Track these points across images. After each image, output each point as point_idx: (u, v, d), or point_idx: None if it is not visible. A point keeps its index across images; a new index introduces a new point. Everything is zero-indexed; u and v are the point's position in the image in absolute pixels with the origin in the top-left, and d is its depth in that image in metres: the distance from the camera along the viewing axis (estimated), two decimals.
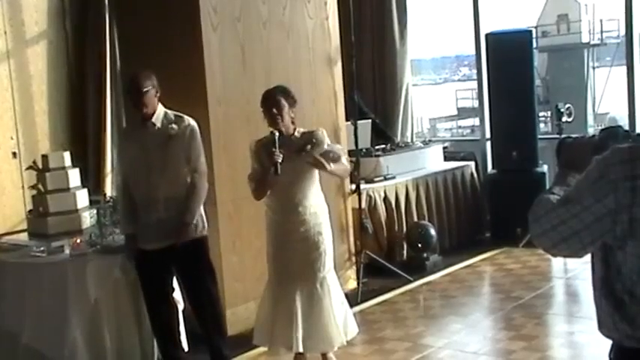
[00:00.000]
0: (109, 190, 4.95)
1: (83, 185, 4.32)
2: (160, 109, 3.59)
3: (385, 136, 6.63)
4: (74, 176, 4.22)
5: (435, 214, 6.04)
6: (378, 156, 5.93)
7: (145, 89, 3.49)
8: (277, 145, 3.40)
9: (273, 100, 3.50)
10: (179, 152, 3.56)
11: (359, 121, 5.44)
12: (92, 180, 5.03)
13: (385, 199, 5.68)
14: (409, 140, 6.82)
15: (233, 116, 4.36)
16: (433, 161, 6.40)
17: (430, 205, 6.03)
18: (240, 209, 4.27)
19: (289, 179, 3.47)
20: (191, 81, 4.20)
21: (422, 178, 6.01)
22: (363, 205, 5.40)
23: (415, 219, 5.84)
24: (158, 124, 3.57)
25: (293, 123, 3.56)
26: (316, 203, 3.58)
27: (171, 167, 3.55)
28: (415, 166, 6.16)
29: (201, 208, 3.63)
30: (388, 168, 5.85)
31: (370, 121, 6.23)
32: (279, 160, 3.39)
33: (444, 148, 6.70)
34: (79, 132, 5.27)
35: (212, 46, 4.27)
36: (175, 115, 3.62)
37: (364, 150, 5.86)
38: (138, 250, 3.61)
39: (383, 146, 6.26)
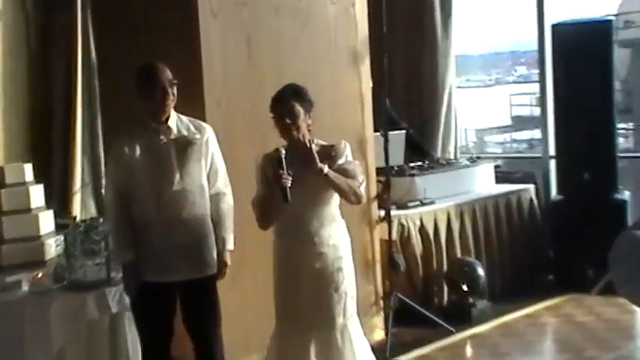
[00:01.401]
0: (78, 211, 5.01)
1: (48, 206, 4.37)
2: (174, 113, 3.73)
3: (422, 151, 6.70)
4: (37, 194, 4.25)
5: (484, 249, 6.07)
6: (413, 175, 5.99)
7: (174, 82, 3.63)
8: (284, 165, 3.45)
9: (286, 105, 3.54)
10: (201, 164, 3.70)
11: (390, 132, 5.50)
12: (57, 199, 5.06)
13: (421, 229, 5.72)
14: (452, 157, 6.88)
15: (235, 121, 4.44)
16: (482, 183, 6.44)
17: (478, 238, 6.05)
18: (242, 235, 4.25)
19: (303, 203, 3.51)
20: (185, 78, 4.14)
21: (467, 203, 6.05)
22: (394, 236, 5.44)
23: (458, 254, 5.87)
24: (174, 129, 3.69)
25: (309, 132, 3.60)
26: (336, 233, 3.62)
27: (192, 182, 3.67)
28: (459, 189, 6.20)
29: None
30: (425, 191, 5.90)
31: (404, 132, 6.29)
32: (288, 185, 3.44)
33: (496, 167, 6.74)
34: (42, 138, 5.28)
35: (211, 36, 4.34)
36: (189, 120, 3.77)
37: (396, 168, 5.91)
38: (139, 283, 3.68)
39: (419, 163, 6.32)
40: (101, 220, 4.33)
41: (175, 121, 3.71)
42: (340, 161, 3.57)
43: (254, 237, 4.14)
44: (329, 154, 3.56)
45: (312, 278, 3.56)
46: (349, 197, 3.58)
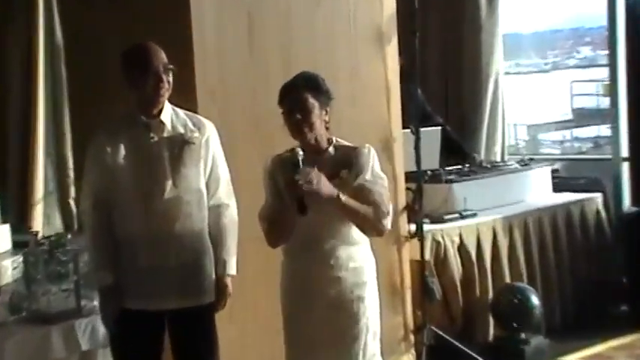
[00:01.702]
0: (40, 226, 5.02)
1: (3, 219, 4.43)
2: (168, 105, 3.74)
3: (461, 151, 6.73)
4: None
5: (539, 273, 6.07)
6: (451, 182, 6.01)
7: (169, 66, 3.65)
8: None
9: (298, 97, 3.52)
10: (199, 169, 3.72)
11: (422, 129, 5.51)
12: (14, 211, 5.09)
13: (461, 247, 5.74)
14: (498, 159, 6.93)
15: (234, 118, 4.46)
16: (536, 191, 6.45)
17: (531, 259, 6.05)
18: (243, 255, 4.28)
19: (318, 217, 3.49)
20: (174, 65, 4.19)
21: (518, 216, 6.06)
22: (428, 256, 5.46)
23: (507, 279, 5.87)
24: (168, 125, 3.71)
25: (327, 130, 3.60)
26: (357, 254, 3.62)
27: (188, 190, 3.69)
28: (508, 199, 6.22)
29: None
30: (466, 200, 5.92)
31: (439, 128, 6.31)
32: (313, 186, 3.41)
33: (553, 171, 6.76)
34: None
35: (205, 14, 4.37)
36: (187, 114, 3.79)
37: (430, 172, 5.93)
38: (120, 310, 3.68)
39: (458, 167, 6.35)
40: (69, 236, 4.35)
41: (170, 115, 3.72)
42: (366, 176, 3.52)
43: (256, 258, 4.20)
44: (348, 159, 3.54)
45: (326, 308, 3.56)
46: (367, 231, 3.57)
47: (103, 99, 4.48)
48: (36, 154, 5.11)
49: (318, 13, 4.88)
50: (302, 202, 3.40)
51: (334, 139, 3.60)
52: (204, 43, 4.36)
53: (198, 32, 4.32)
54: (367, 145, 3.62)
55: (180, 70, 4.06)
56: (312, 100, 3.51)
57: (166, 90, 3.67)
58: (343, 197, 3.43)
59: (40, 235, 4.50)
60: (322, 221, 3.53)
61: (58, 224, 5.03)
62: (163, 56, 3.65)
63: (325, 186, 3.40)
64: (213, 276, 3.75)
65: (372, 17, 5.12)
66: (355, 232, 3.60)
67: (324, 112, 3.55)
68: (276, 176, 3.58)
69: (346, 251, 3.57)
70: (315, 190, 3.37)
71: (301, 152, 3.46)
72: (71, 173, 5.10)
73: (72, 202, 5.12)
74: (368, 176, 3.52)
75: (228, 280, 3.80)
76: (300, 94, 3.52)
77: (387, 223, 3.56)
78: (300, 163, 3.43)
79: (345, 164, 3.52)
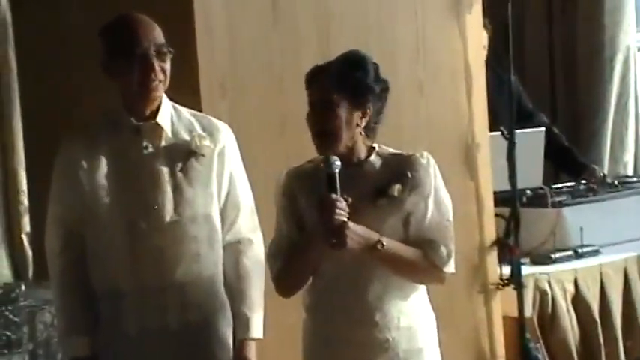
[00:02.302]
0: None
1: None
2: (166, 100, 3.76)
3: (576, 163, 6.70)
4: None
5: None
6: (561, 205, 5.98)
7: (165, 48, 3.67)
8: (338, 186, 3.48)
9: (322, 89, 3.55)
10: (211, 191, 3.73)
11: (518, 131, 5.51)
12: None
13: (577, 298, 5.69)
14: (630, 172, 6.94)
15: (251, 117, 4.55)
16: None
17: None
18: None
19: (355, 256, 3.53)
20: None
21: None
22: (529, 311, 5.43)
23: None
24: (167, 130, 3.73)
25: (369, 137, 3.62)
26: (410, 307, 3.64)
27: (194, 220, 3.70)
28: None
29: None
30: (583, 232, 5.88)
31: (543, 131, 6.30)
32: (344, 218, 3.46)
33: None
34: None
35: None
36: (194, 115, 3.82)
37: (529, 192, 5.92)
38: None
39: (570, 185, 6.33)
40: (22, 287, 4.39)
41: (169, 116, 3.75)
42: (428, 201, 3.55)
43: (273, 314, 4.13)
44: (401, 172, 3.56)
45: None
46: (422, 280, 3.61)
47: (73, 94, 4.57)
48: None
49: None
50: (339, 232, 3.43)
51: (376, 145, 3.64)
52: (209, 22, 4.44)
53: (201, 8, 4.41)
54: (425, 153, 3.63)
55: (179, 59, 4.05)
56: (338, 97, 3.51)
57: (161, 82, 3.68)
58: (385, 241, 3.46)
59: None
60: (362, 262, 3.54)
61: (5, 271, 4.97)
62: (157, 34, 3.67)
63: (360, 232, 3.43)
64: (230, 341, 3.76)
65: None
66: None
67: (359, 114, 3.55)
68: (296, 196, 3.62)
69: (396, 304, 3.59)
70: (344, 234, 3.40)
71: (338, 162, 3.45)
72: (24, 198, 5.08)
73: (25, 240, 5.07)
74: (430, 200, 3.56)
75: (251, 347, 3.80)
76: (325, 86, 3.54)
77: (451, 267, 3.60)
78: (337, 177, 3.45)
79: (396, 179, 3.54)
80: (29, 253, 5.02)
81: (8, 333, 4.14)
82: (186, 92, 4.20)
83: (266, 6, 4.62)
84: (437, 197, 3.58)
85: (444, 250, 3.55)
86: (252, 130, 4.47)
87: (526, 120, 5.99)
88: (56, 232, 3.74)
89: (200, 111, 4.17)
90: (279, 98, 4.49)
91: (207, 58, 4.41)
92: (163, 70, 3.65)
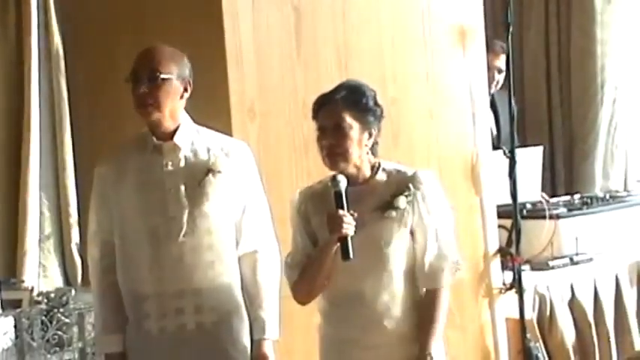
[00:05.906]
0: (35, 280, 5.00)
1: None
2: (188, 123, 3.83)
3: (571, 177, 6.85)
4: None
5: None
6: (558, 217, 6.00)
7: (161, 74, 3.69)
8: (346, 202, 3.56)
9: (332, 113, 3.65)
10: (229, 204, 3.81)
11: (519, 150, 5.57)
12: (0, 261, 5.13)
13: (573, 302, 5.75)
14: (621, 187, 6.93)
15: (278, 138, 4.64)
16: None
17: None
18: (285, 316, 4.23)
19: (364, 265, 3.61)
20: (199, 76, 4.15)
21: None
22: (529, 314, 5.49)
23: (638, 346, 5.86)
24: (186, 149, 3.80)
25: (374, 155, 3.73)
26: (418, 313, 3.72)
27: (210, 233, 3.78)
28: (635, 239, 6.20)
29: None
30: (578, 241, 5.96)
31: (541, 148, 6.37)
32: (352, 232, 3.53)
33: None
34: None
35: (240, 10, 4.53)
36: (214, 136, 3.88)
37: (529, 206, 6.00)
38: None
39: (566, 198, 6.39)
40: (72, 291, 4.47)
41: (188, 136, 3.80)
42: (433, 216, 3.62)
43: (294, 320, 4.24)
44: (406, 188, 3.64)
45: None
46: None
47: (119, 115, 4.61)
48: (27, 187, 5.13)
49: (383, 4, 4.99)
50: (345, 245, 3.53)
51: (379, 162, 3.73)
52: (238, 50, 4.51)
53: (231, 36, 4.49)
54: (428, 170, 3.78)
55: (209, 79, 4.24)
56: (349, 121, 3.62)
57: (152, 106, 3.71)
58: (432, 350, 3.60)
59: (35, 291, 4.60)
60: (370, 272, 3.64)
61: (57, 277, 5.05)
62: (156, 62, 3.72)
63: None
64: (247, 342, 3.84)
65: (451, 8, 5.21)
66: (414, 284, 3.72)
67: (368, 134, 3.66)
68: (308, 213, 3.73)
69: (404, 310, 3.69)
70: None
71: (344, 181, 3.57)
72: (74, 211, 5.14)
73: (74, 249, 5.16)
74: (433, 214, 3.65)
75: (269, 347, 3.86)
76: (338, 113, 3.64)
77: (460, 273, 3.76)
78: (343, 194, 3.55)
79: (401, 192, 3.64)
80: (78, 261, 5.10)
81: (60, 333, 4.19)
82: (218, 116, 4.33)
83: (290, 39, 4.69)
84: (439, 211, 3.67)
85: (454, 260, 3.68)
86: (279, 150, 4.60)
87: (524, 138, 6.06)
88: (94, 242, 3.87)
89: (230, 133, 4.27)
90: (302, 122, 4.53)
91: (237, 85, 4.50)
92: (153, 95, 3.70)
